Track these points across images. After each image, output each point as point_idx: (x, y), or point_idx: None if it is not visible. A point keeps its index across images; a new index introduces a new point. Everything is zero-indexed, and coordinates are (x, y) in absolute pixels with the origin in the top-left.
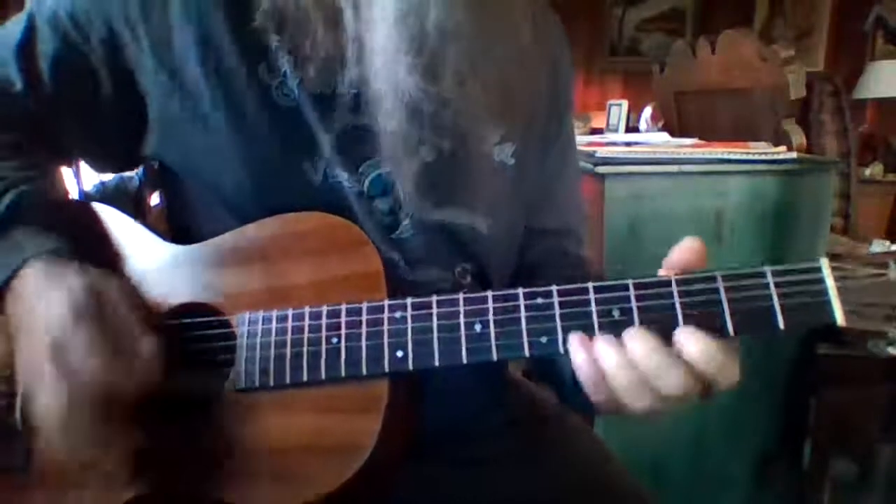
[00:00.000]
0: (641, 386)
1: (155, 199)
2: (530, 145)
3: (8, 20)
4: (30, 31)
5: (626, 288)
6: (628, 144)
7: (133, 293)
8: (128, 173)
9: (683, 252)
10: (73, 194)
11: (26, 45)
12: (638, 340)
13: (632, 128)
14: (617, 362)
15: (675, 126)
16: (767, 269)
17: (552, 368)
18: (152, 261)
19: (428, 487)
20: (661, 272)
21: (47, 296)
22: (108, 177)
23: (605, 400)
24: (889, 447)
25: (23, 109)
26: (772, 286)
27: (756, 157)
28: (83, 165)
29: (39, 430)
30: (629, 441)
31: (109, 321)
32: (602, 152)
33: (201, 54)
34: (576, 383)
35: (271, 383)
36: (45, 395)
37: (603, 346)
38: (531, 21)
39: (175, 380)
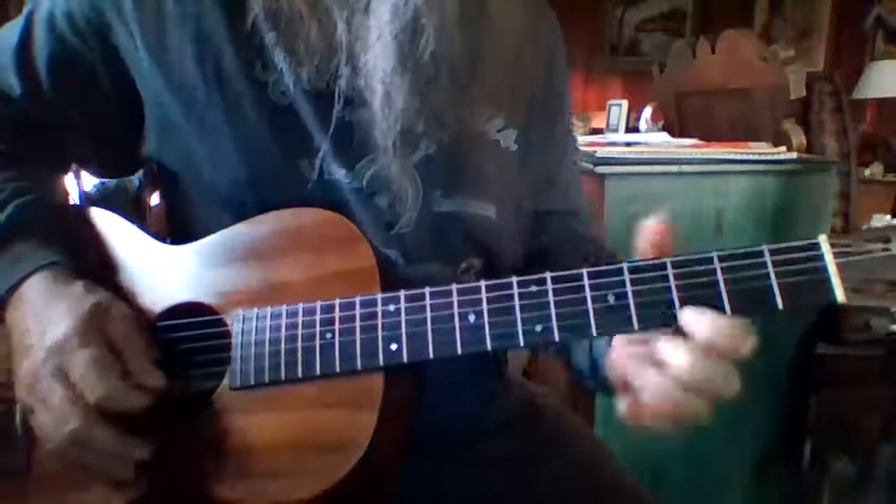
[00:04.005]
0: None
1: (155, 199)
2: (532, 131)
3: (8, 22)
4: (27, 34)
5: (621, 272)
6: (628, 144)
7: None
8: None
9: (646, 235)
10: (74, 197)
11: (24, 49)
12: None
13: (632, 128)
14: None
15: (675, 126)
16: (765, 247)
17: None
18: (148, 262)
19: (427, 487)
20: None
21: (50, 311)
22: None
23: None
24: (889, 447)
25: (23, 115)
26: (769, 265)
27: (756, 157)
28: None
29: (41, 443)
30: (629, 441)
31: (113, 341)
32: (602, 152)
33: (197, 52)
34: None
35: (267, 380)
36: (48, 411)
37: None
38: (527, 14)
39: (171, 380)
